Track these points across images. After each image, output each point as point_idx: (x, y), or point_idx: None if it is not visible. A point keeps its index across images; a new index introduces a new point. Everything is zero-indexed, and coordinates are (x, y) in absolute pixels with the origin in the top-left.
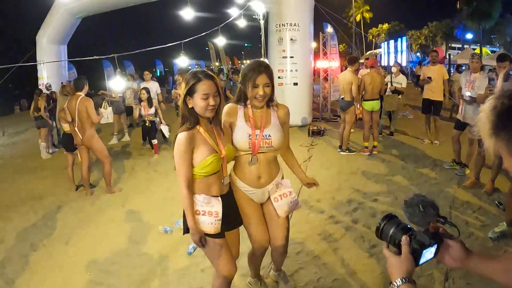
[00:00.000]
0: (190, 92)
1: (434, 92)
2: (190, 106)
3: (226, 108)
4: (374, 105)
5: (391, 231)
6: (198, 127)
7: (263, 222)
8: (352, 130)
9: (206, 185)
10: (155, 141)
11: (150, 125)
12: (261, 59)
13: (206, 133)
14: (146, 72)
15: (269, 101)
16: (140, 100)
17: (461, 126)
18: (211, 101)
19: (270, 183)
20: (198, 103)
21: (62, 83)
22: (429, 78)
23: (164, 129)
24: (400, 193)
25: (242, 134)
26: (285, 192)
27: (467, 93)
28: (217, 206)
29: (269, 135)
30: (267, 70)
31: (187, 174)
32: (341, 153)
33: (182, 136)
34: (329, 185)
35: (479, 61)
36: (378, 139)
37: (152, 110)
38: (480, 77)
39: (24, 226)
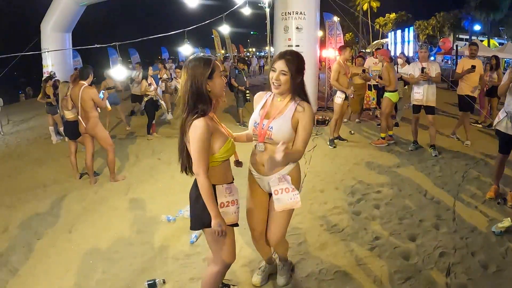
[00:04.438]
0: (211, 73)
1: (472, 86)
2: (209, 89)
3: (256, 95)
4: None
5: None
6: (210, 113)
7: (262, 213)
8: (345, 119)
9: (223, 172)
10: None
11: (156, 100)
12: (266, 47)
13: (216, 118)
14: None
15: (295, 94)
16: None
17: (418, 109)
18: (224, 79)
19: (273, 174)
20: (219, 82)
21: (75, 68)
22: (473, 67)
23: (163, 104)
24: (404, 185)
25: (251, 120)
26: (288, 187)
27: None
28: (236, 193)
29: (271, 127)
30: (290, 58)
31: (207, 163)
32: (328, 146)
33: (202, 123)
34: (333, 176)
35: (427, 51)
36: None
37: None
38: (430, 64)
39: (27, 214)
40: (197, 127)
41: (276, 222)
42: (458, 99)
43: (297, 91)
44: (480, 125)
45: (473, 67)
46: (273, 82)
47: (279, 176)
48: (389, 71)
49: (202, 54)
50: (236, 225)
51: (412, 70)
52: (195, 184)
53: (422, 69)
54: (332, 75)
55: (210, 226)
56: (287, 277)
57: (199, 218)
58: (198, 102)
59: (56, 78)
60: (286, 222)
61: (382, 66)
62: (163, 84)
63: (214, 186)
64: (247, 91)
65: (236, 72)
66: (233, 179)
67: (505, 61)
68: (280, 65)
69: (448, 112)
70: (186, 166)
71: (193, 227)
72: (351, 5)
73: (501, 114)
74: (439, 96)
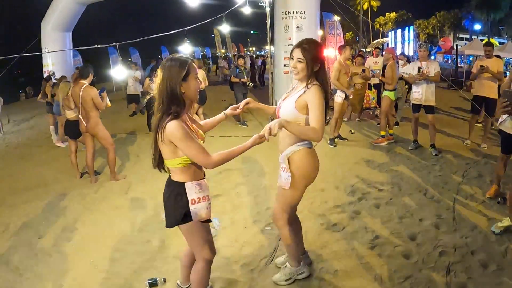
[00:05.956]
0: (186, 76)
1: (490, 87)
2: (183, 91)
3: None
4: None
5: None
6: (184, 116)
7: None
8: (345, 118)
9: (193, 170)
10: None
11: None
12: (267, 47)
13: (188, 121)
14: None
15: (312, 80)
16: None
17: (418, 109)
18: (199, 81)
19: (283, 151)
20: (193, 84)
21: (77, 67)
22: (482, 67)
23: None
24: (404, 184)
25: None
26: (286, 167)
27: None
28: (206, 189)
29: (281, 106)
30: (306, 47)
31: (204, 149)
32: (329, 145)
33: (177, 123)
34: (333, 175)
35: (426, 50)
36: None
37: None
38: (430, 63)
39: (29, 213)
40: (174, 128)
41: (277, 197)
42: (473, 99)
43: (315, 77)
44: (481, 125)
45: (482, 67)
46: (293, 70)
47: (286, 154)
48: (393, 70)
49: (203, 52)
50: (209, 221)
51: (411, 69)
52: (168, 183)
53: (419, 68)
54: (333, 74)
55: (184, 222)
56: (281, 279)
57: (172, 216)
58: (172, 103)
59: (55, 78)
60: (286, 200)
61: (388, 62)
62: None
63: (183, 184)
64: (250, 83)
65: (237, 71)
66: (204, 176)
67: (505, 60)
68: (297, 53)
69: (449, 112)
70: (159, 163)
71: (168, 225)
72: (351, 4)
73: (504, 114)
74: (439, 96)
